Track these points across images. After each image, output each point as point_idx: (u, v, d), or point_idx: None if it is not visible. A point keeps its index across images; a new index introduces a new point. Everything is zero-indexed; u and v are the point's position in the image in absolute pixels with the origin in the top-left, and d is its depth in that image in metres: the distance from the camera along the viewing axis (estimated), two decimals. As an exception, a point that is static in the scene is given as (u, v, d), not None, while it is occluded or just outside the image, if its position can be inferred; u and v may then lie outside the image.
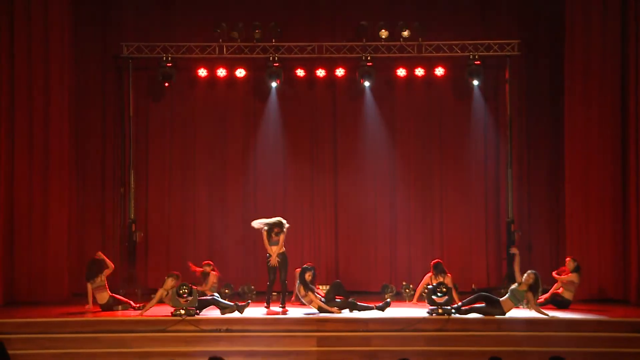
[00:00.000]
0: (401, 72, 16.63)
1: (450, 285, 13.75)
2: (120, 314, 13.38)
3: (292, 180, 17.03)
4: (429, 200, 16.94)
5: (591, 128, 15.16)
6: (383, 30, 16.07)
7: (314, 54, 16.36)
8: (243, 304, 13.22)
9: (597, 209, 15.10)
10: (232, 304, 13.17)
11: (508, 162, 16.42)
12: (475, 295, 13.49)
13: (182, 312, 12.68)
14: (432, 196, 16.95)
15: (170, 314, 12.78)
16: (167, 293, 13.14)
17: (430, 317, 12.72)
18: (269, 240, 13.84)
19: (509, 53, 16.23)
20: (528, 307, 13.06)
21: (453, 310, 12.83)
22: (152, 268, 16.75)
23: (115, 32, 16.82)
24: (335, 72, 16.61)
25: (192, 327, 12.47)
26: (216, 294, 13.79)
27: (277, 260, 13.77)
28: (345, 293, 13.71)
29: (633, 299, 14.63)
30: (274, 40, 16.22)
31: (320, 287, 14.57)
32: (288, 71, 16.54)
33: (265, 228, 13.86)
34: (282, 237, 13.82)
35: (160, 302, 13.22)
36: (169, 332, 12.43)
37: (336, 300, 13.50)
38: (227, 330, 12.41)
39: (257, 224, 13.99)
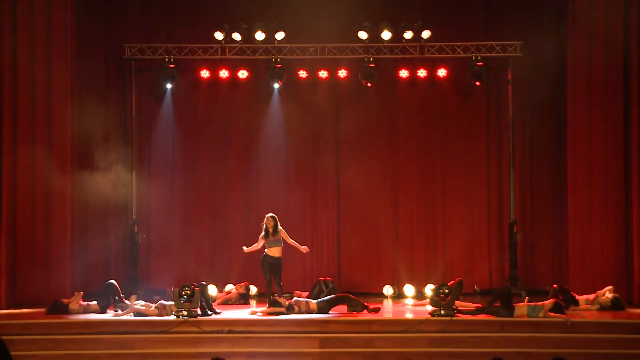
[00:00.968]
0: (403, 73, 16.64)
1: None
2: (123, 316, 13.33)
3: (294, 182, 17.04)
4: (432, 201, 16.93)
5: (594, 129, 15.14)
6: (385, 32, 16.07)
7: (316, 55, 16.37)
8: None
9: (600, 211, 15.08)
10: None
11: (510, 163, 16.41)
12: (496, 293, 13.35)
13: (185, 313, 12.67)
14: (434, 197, 16.94)
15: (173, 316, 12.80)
16: None
17: (433, 318, 12.71)
18: (267, 240, 13.91)
19: (511, 54, 16.22)
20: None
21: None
22: (154, 269, 16.79)
23: (117, 33, 16.85)
24: (337, 73, 16.62)
25: (194, 329, 12.47)
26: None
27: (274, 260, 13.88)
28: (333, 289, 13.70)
29: (636, 300, 14.61)
30: (276, 42, 16.23)
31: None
32: (290, 72, 16.55)
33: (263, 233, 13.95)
34: (282, 234, 13.90)
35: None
36: (171, 334, 12.43)
37: (327, 297, 13.47)
38: (229, 332, 12.41)
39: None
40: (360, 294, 15.78)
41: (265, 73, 16.53)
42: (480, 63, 16.20)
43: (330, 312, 13.32)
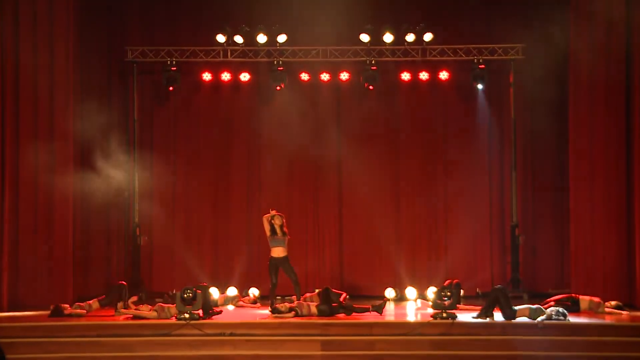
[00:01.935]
0: (405, 76, 16.66)
1: None
2: (122, 319, 13.33)
3: (296, 185, 17.05)
4: (433, 203, 16.94)
5: (596, 132, 15.12)
6: (387, 34, 16.08)
7: (318, 57, 16.39)
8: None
9: (602, 213, 15.05)
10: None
11: (512, 166, 16.43)
12: (492, 298, 13.31)
13: (187, 316, 12.67)
14: (436, 199, 16.94)
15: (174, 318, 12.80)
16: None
17: (435, 321, 12.70)
18: (272, 238, 13.91)
19: (513, 57, 16.25)
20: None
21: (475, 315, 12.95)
22: (156, 272, 16.82)
23: (119, 36, 16.87)
24: (339, 76, 16.65)
25: (196, 331, 12.46)
26: None
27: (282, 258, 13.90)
28: (336, 297, 13.67)
29: (638, 303, 14.59)
30: (278, 44, 16.24)
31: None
32: (292, 75, 16.57)
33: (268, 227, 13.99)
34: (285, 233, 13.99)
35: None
36: (173, 336, 12.42)
37: (332, 307, 13.43)
38: (231, 334, 12.40)
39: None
40: (362, 297, 15.87)
41: (267, 76, 16.55)
42: (482, 66, 16.22)
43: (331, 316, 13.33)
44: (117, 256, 16.77)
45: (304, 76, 16.70)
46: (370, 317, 13.28)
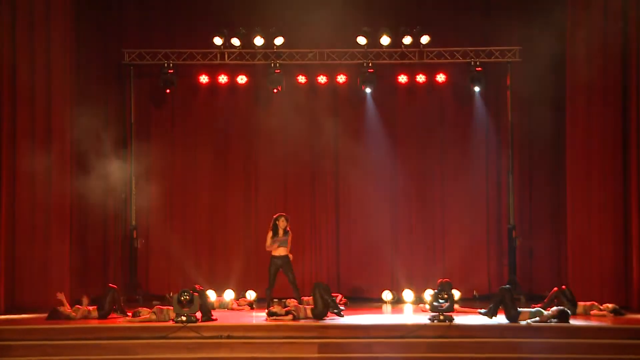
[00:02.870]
0: (402, 78, 16.68)
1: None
2: (122, 321, 13.34)
3: (293, 187, 17.06)
4: (430, 206, 16.95)
5: (593, 134, 15.14)
6: (384, 37, 16.10)
7: (315, 60, 16.41)
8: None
9: (599, 215, 15.07)
10: None
11: (509, 168, 16.45)
12: (498, 298, 13.25)
13: (184, 318, 12.67)
14: (433, 202, 16.96)
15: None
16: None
17: (432, 323, 12.70)
18: (274, 239, 13.92)
19: (510, 59, 16.27)
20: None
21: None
22: (153, 274, 16.81)
23: (116, 38, 16.88)
24: (336, 78, 16.67)
25: (193, 334, 12.45)
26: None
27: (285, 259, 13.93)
28: (328, 294, 13.67)
29: (635, 305, 14.61)
30: (275, 47, 16.25)
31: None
32: (289, 77, 16.58)
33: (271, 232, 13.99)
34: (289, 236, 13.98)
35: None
36: (170, 339, 12.41)
37: (325, 301, 13.41)
38: (228, 337, 12.40)
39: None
40: (359, 300, 15.88)
41: (264, 78, 16.56)
42: (479, 68, 16.25)
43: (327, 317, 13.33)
44: (114, 259, 16.77)
45: (301, 79, 16.71)
46: (367, 319, 13.29)
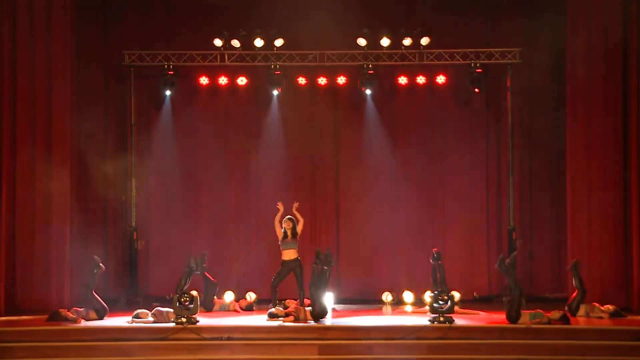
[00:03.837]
0: (403, 80, 16.67)
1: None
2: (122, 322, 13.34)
3: (293, 188, 17.02)
4: (431, 207, 16.94)
5: (593, 135, 15.15)
6: (384, 38, 16.09)
7: (316, 62, 16.40)
8: None
9: (599, 217, 15.08)
10: None
11: (509, 170, 16.44)
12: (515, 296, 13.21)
13: (184, 320, 12.67)
14: (433, 204, 16.95)
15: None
16: None
17: (432, 325, 12.70)
18: (283, 242, 14.01)
19: (510, 61, 16.26)
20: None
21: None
22: (153, 276, 16.79)
23: (117, 40, 16.88)
24: (336, 80, 16.66)
25: (193, 335, 12.45)
26: None
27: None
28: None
29: (635, 306, 14.61)
30: (275, 48, 16.25)
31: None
32: (289, 79, 16.57)
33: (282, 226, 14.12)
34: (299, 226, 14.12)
35: None
36: (170, 340, 12.41)
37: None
38: (228, 339, 12.40)
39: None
40: (359, 301, 15.86)
41: (264, 80, 16.55)
42: (480, 70, 16.24)
43: (326, 317, 13.33)
44: (114, 260, 16.74)
45: (301, 80, 16.70)
46: (368, 321, 13.29)
